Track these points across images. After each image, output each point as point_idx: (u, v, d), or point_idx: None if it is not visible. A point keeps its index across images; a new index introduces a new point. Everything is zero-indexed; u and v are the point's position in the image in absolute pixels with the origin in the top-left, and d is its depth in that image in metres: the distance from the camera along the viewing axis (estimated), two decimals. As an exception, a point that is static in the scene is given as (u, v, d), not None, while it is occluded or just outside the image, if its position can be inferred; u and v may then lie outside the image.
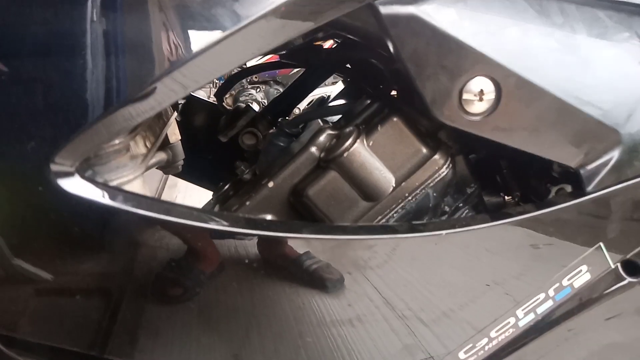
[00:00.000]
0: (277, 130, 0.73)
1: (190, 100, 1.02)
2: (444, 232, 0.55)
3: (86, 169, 0.50)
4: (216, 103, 0.99)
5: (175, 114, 0.89)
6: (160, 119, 0.73)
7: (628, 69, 0.60)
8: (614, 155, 0.58)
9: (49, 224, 0.45)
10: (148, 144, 0.61)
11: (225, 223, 0.49)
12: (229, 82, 0.95)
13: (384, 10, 0.49)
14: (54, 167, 0.43)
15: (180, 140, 0.90)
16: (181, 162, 0.91)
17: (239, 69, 0.90)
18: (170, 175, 1.36)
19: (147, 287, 0.54)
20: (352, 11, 0.47)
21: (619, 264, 0.62)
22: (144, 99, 0.43)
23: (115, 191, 0.46)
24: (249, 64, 0.88)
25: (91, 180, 0.46)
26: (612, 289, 0.63)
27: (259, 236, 0.50)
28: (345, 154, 0.59)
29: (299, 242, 0.54)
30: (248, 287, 0.55)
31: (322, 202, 0.60)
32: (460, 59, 0.52)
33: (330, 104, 0.94)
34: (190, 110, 1.01)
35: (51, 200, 0.44)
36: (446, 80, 0.53)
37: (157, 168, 0.92)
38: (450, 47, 0.51)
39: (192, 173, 1.00)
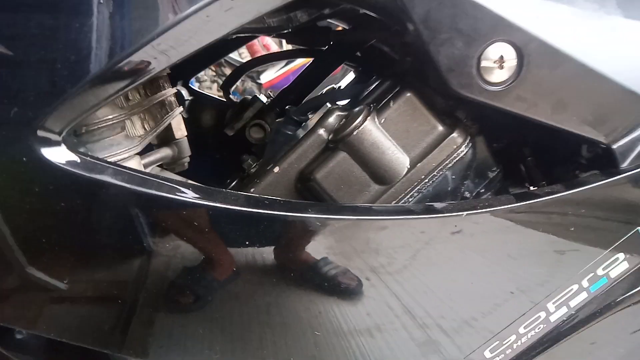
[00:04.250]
0: (285, 118, 0.70)
1: (198, 97, 1.00)
2: (464, 213, 0.51)
3: (77, 145, 0.48)
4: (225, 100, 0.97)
5: (181, 108, 0.87)
6: (163, 107, 0.71)
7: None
8: (651, 128, 0.53)
9: (33, 198, 0.42)
10: (147, 127, 0.58)
11: (222, 200, 0.45)
12: (237, 73, 0.92)
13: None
14: (40, 133, 0.40)
15: (187, 137, 0.87)
16: (187, 159, 0.88)
17: (245, 61, 0.87)
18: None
19: (147, 281, 0.50)
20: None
21: (660, 252, 0.56)
22: (128, 65, 0.40)
23: (103, 164, 0.43)
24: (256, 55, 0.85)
25: (78, 151, 0.42)
26: (654, 280, 0.57)
27: (259, 215, 0.46)
28: (355, 132, 0.54)
29: (305, 225, 0.49)
30: (263, 295, 0.52)
31: (331, 185, 0.56)
32: (477, 21, 0.48)
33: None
34: (198, 107, 0.98)
35: (35, 172, 0.41)
36: (462, 46, 0.48)
37: (163, 165, 0.89)
38: (466, 8, 0.47)
39: (199, 172, 0.97)
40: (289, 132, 0.71)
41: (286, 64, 3.25)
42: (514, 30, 0.48)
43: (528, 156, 0.72)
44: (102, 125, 0.48)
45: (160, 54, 0.41)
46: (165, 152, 0.82)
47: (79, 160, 0.42)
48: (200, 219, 0.46)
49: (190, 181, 0.52)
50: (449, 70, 0.49)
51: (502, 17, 0.48)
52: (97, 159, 0.43)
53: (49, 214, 0.43)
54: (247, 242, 0.49)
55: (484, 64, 0.49)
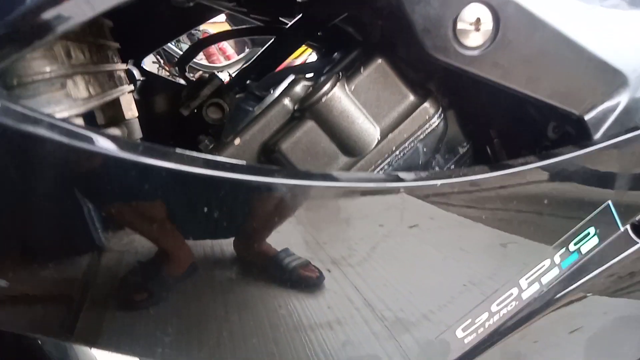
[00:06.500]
0: (245, 93, 0.65)
1: (151, 78, 0.93)
2: (438, 182, 0.48)
3: (9, 100, 0.41)
4: (179, 82, 0.91)
5: (132, 87, 0.80)
6: (111, 78, 0.65)
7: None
8: (622, 100, 0.52)
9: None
10: (92, 91, 0.52)
11: (177, 160, 0.40)
12: (193, 49, 0.87)
13: None
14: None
15: (139, 118, 0.81)
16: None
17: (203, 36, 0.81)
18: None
19: (88, 258, 0.44)
20: None
21: (628, 226, 0.55)
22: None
23: (38, 116, 0.37)
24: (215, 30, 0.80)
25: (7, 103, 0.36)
26: (622, 255, 0.56)
27: (220, 179, 0.41)
28: (323, 99, 0.51)
29: (270, 191, 0.45)
30: (221, 291, 0.47)
31: (297, 157, 0.52)
32: (454, -21, 0.45)
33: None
34: (150, 89, 0.92)
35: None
36: (438, 5, 0.46)
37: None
38: (443, -36, 0.45)
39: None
40: (250, 108, 0.66)
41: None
42: (490, -10, 0.46)
43: (494, 138, 0.71)
44: (38, 78, 0.42)
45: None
46: (113, 132, 0.75)
47: (6, 110, 0.36)
48: (152, 183, 0.40)
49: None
50: (424, 31, 0.47)
51: (479, -23, 0.46)
52: (27, 107, 0.37)
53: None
54: (204, 213, 0.44)
55: (460, 26, 0.47)
